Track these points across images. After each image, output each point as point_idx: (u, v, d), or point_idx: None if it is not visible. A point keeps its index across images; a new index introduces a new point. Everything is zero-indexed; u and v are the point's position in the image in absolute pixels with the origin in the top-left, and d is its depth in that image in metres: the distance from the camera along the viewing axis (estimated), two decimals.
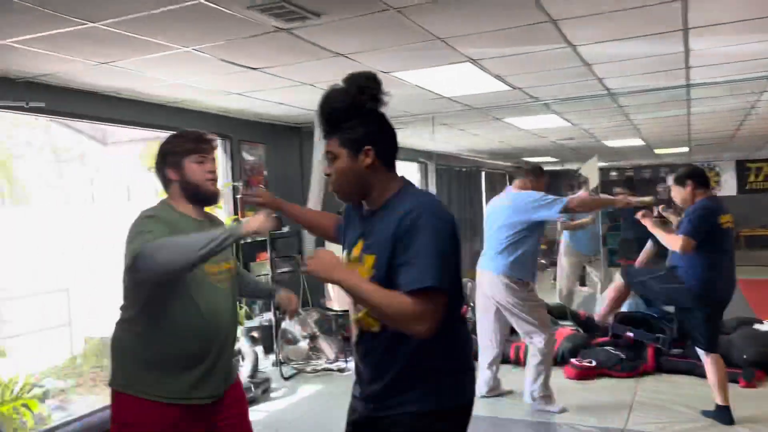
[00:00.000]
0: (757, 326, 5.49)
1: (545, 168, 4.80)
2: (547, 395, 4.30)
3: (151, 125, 5.14)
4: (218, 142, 2.21)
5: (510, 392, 4.65)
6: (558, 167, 15.92)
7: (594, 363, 5.07)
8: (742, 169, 15.73)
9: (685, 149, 12.07)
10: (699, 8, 3.24)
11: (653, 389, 4.67)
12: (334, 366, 5.57)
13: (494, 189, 13.33)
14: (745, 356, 4.80)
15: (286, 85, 4.65)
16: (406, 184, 1.81)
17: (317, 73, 4.29)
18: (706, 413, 4.05)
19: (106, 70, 3.92)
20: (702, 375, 4.81)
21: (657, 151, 12.07)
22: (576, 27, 3.51)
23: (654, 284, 4.07)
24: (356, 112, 1.73)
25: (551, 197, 4.12)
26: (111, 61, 3.73)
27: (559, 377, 4.97)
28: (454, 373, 1.77)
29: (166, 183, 2.27)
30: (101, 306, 7.81)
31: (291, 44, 3.56)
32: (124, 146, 9.70)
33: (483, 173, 12.60)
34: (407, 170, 11.64)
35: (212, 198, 2.29)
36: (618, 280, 4.40)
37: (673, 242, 3.83)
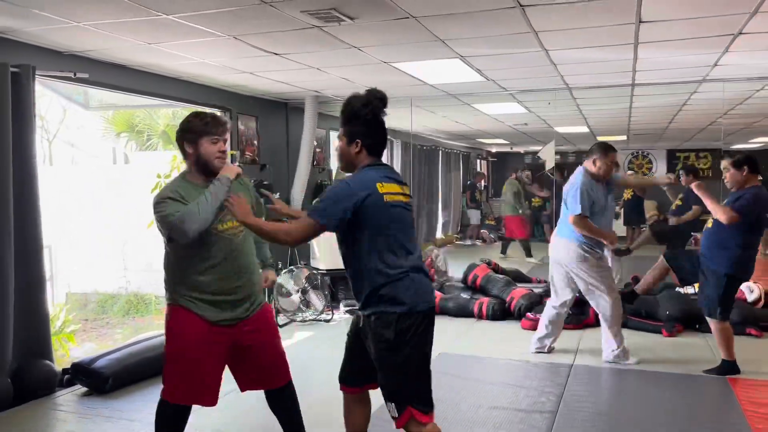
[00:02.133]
0: (678, 289, 6.55)
1: (496, 150, 5.50)
2: (622, 352, 4.80)
3: (167, 96, 5.69)
4: (228, 124, 2.80)
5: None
6: (508, 149, 16.97)
7: None
8: (672, 157, 17.16)
9: (624, 137, 13.26)
10: (648, 29, 4.11)
11: (594, 338, 5.63)
12: (321, 317, 6.33)
13: (448, 166, 14.27)
14: (668, 312, 5.83)
15: (295, 68, 5.29)
16: (369, 165, 2.55)
17: (329, 60, 4.98)
18: (708, 371, 4.54)
19: (147, 49, 4.49)
20: (632, 327, 5.85)
21: (600, 138, 13.19)
22: (551, 37, 4.33)
23: (689, 265, 4.65)
24: (360, 118, 2.53)
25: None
26: (157, 42, 4.31)
27: (516, 328, 5.90)
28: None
29: (185, 155, 2.72)
30: (82, 262, 8.29)
31: (318, 38, 4.23)
32: (107, 111, 10.02)
33: (440, 152, 13.47)
34: None
35: (217, 174, 2.71)
36: (661, 261, 4.94)
37: (723, 212, 4.16)
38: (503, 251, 11.22)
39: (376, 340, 2.47)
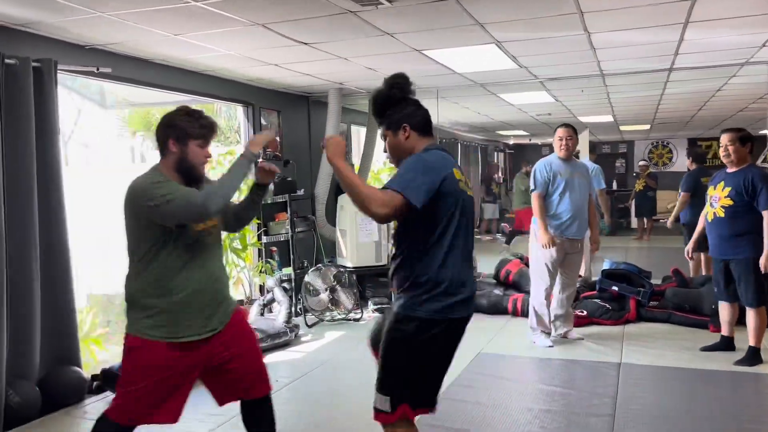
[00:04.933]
0: None
1: (514, 142, 5.46)
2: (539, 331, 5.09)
3: (189, 90, 5.51)
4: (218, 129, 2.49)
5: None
6: (525, 141, 16.71)
7: (584, 313, 5.78)
8: (693, 146, 16.81)
9: (647, 127, 12.98)
10: (703, 6, 3.87)
11: (637, 333, 5.41)
12: (350, 316, 6.14)
13: (467, 159, 14.03)
14: (713, 306, 5.58)
15: (322, 58, 5.09)
16: (430, 146, 2.36)
17: (358, 48, 4.77)
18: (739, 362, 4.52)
19: (172, 41, 4.30)
20: (676, 322, 5.64)
21: (622, 127, 12.92)
22: (597, 18, 4.10)
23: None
24: (392, 103, 2.36)
25: None
26: (183, 33, 4.12)
27: None
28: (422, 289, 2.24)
29: (164, 150, 2.40)
30: (103, 263, 8.14)
31: (350, 24, 4.03)
32: (123, 110, 9.88)
33: (459, 144, 13.24)
34: None
35: (199, 179, 2.44)
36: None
37: None
38: (507, 242, 10.99)
39: (393, 326, 2.26)
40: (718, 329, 5.36)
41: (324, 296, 6.07)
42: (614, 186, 16.05)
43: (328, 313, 6.11)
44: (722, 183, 4.34)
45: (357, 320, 6.13)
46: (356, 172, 7.88)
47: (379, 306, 6.47)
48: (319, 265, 6.31)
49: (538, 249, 4.87)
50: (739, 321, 4.66)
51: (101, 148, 10.60)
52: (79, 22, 3.75)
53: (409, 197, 2.11)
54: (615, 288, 5.96)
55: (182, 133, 2.36)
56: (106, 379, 4.09)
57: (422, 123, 2.38)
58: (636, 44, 4.91)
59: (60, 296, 4.01)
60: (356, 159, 8.29)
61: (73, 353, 4.07)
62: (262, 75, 5.83)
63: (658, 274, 6.70)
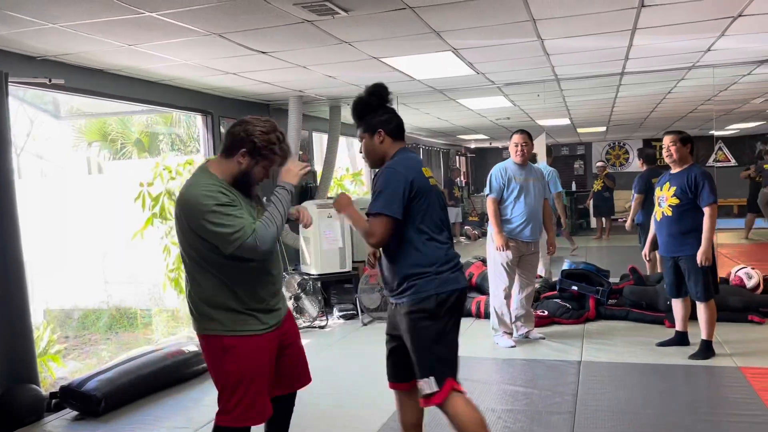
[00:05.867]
0: None
1: (475, 146, 5.54)
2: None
3: (146, 101, 5.45)
4: None
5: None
6: (486, 145, 16.92)
7: (546, 312, 5.89)
8: (648, 147, 17.28)
9: (603, 128, 13.29)
10: (649, 14, 4.01)
11: (596, 331, 5.54)
12: (315, 323, 6.13)
13: (429, 164, 14.14)
14: (668, 302, 5.75)
15: (281, 67, 5.10)
16: (400, 150, 2.61)
17: (317, 57, 4.80)
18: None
19: (127, 51, 4.26)
20: (633, 319, 5.79)
21: (579, 130, 13.21)
22: (549, 25, 4.21)
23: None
24: (370, 109, 2.60)
25: None
26: (137, 43, 4.08)
27: None
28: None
29: (230, 155, 2.34)
30: (60, 278, 7.96)
31: (308, 33, 4.05)
32: (78, 120, 9.69)
33: (421, 149, 13.35)
34: (357, 146, 12.18)
35: (249, 196, 2.43)
36: None
37: (714, 210, 4.29)
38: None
39: (415, 315, 2.48)
40: (673, 325, 5.52)
41: (288, 304, 6.03)
42: (573, 187, 16.37)
43: None
44: (668, 183, 4.49)
45: (322, 327, 6.13)
46: (318, 178, 7.94)
47: (344, 313, 6.48)
48: (283, 273, 6.29)
49: (493, 251, 4.97)
50: (693, 316, 4.81)
51: (56, 159, 10.38)
52: (31, 33, 3.68)
53: (391, 213, 2.43)
54: (575, 287, 6.08)
55: (260, 153, 2.32)
56: (65, 396, 4.00)
57: (395, 129, 2.62)
58: (588, 50, 5.05)
59: (15, 313, 3.90)
60: (318, 166, 8.29)
61: (30, 371, 3.97)
62: (220, 84, 5.80)
63: (616, 272, 6.87)
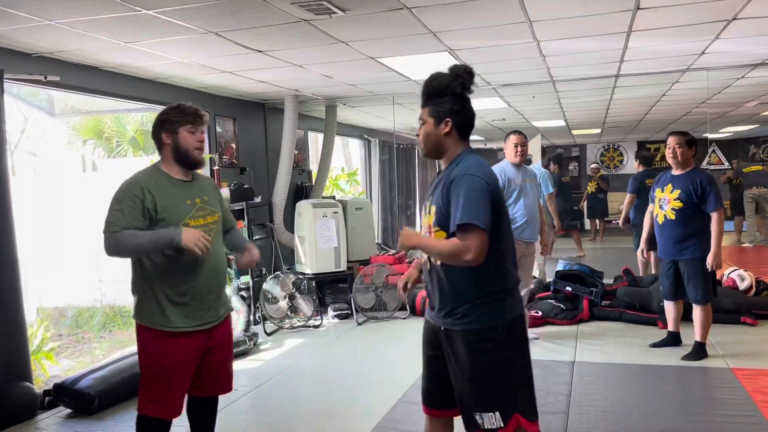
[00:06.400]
0: None
1: (474, 146, 5.54)
2: None
3: (141, 98, 5.43)
4: (208, 117, 2.69)
5: None
6: (481, 146, 16.93)
7: (540, 313, 5.91)
8: (642, 149, 17.33)
9: (598, 130, 13.33)
10: (644, 16, 4.03)
11: (590, 332, 5.56)
12: (310, 323, 6.13)
13: (425, 164, 14.14)
14: (661, 304, 5.77)
15: (277, 66, 5.10)
16: (466, 150, 2.28)
17: (313, 56, 4.80)
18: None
19: (123, 49, 4.25)
20: (627, 320, 5.82)
21: (574, 131, 13.24)
22: (545, 27, 4.22)
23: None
24: (447, 93, 2.25)
25: None
26: (135, 41, 4.08)
27: None
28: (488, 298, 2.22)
29: (160, 145, 2.60)
30: (53, 275, 7.93)
31: (305, 33, 4.05)
32: (73, 118, 9.65)
33: (416, 150, 13.35)
34: (352, 146, 12.20)
35: (197, 164, 2.63)
36: None
37: (721, 216, 4.31)
38: None
39: (479, 345, 2.16)
40: (666, 326, 5.56)
41: (283, 304, 6.05)
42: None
43: (287, 321, 6.09)
44: (670, 185, 4.46)
45: (317, 327, 6.13)
46: (314, 178, 7.93)
47: (339, 312, 6.48)
48: (278, 272, 6.29)
49: None
50: (685, 317, 4.83)
51: (50, 157, 10.34)
52: (27, 30, 3.68)
53: (484, 226, 2.06)
54: (569, 288, 6.11)
55: (171, 124, 2.56)
56: (58, 394, 3.99)
57: (466, 125, 2.29)
58: (583, 52, 5.07)
59: (8, 310, 3.89)
60: (314, 166, 8.29)
61: (23, 369, 3.96)
62: (216, 82, 5.79)
63: (610, 273, 6.90)
